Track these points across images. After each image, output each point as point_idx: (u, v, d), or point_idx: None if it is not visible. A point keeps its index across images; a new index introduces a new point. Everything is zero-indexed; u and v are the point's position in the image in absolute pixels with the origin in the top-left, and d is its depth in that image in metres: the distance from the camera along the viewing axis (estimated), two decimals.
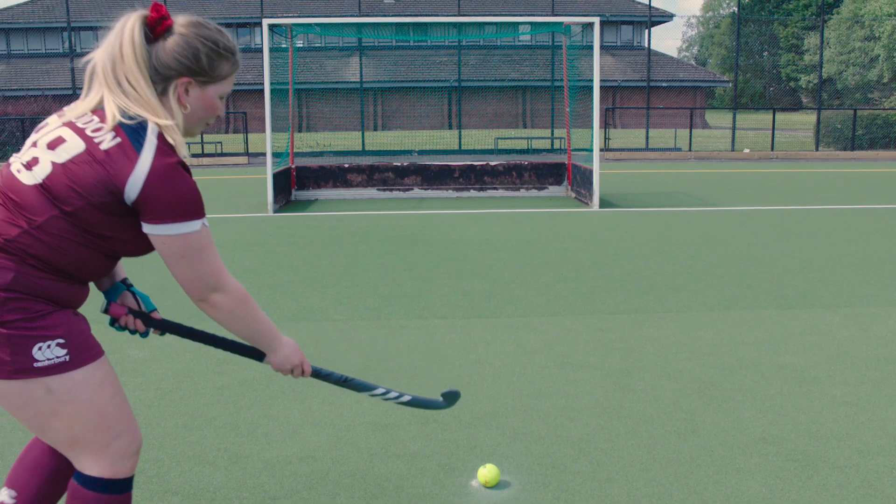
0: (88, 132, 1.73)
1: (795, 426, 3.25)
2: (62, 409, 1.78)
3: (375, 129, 34.90)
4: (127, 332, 2.13)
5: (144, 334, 2.15)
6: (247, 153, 20.83)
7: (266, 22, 10.57)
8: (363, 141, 21.90)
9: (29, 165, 1.75)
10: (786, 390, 3.66)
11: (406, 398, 2.43)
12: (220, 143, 22.09)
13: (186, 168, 1.80)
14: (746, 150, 21.57)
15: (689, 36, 74.91)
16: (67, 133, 1.75)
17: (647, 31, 37.24)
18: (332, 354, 4.23)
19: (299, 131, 25.23)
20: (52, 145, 1.75)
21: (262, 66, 10.56)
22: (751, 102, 50.38)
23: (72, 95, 24.63)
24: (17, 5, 40.02)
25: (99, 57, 1.81)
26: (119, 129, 1.72)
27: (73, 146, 1.73)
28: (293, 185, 11.98)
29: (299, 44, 16.56)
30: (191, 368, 4.00)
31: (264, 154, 11.74)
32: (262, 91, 10.84)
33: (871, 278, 6.05)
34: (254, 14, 36.54)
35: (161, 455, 2.99)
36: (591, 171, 10.67)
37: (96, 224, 1.73)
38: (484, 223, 9.15)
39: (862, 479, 2.78)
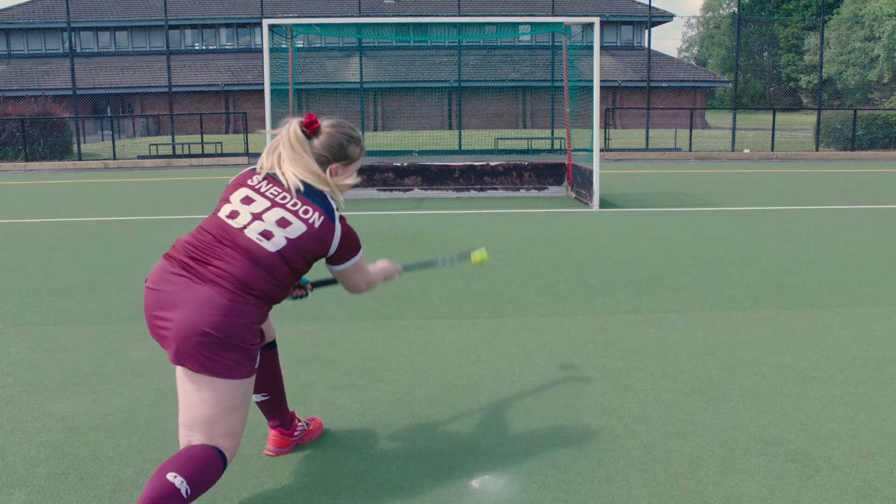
0: (301, 214, 2.47)
1: (795, 426, 3.25)
2: (240, 408, 2.45)
3: (375, 130, 34.90)
4: (289, 300, 2.92)
5: (304, 296, 2.95)
6: (247, 153, 20.84)
7: (266, 22, 10.57)
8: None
9: (266, 236, 2.43)
10: (786, 390, 3.66)
11: (454, 259, 3.26)
12: (221, 143, 22.10)
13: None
14: (746, 151, 21.57)
15: (689, 36, 74.96)
16: (288, 216, 2.45)
17: (647, 31, 37.24)
18: (333, 354, 4.23)
19: None
20: (282, 224, 2.44)
21: (262, 66, 10.56)
22: (751, 103, 50.39)
23: (72, 95, 24.63)
24: (17, 5, 40.04)
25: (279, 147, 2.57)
26: (316, 207, 2.49)
27: (298, 227, 2.45)
28: None
29: (299, 44, 16.56)
30: None
31: None
32: (262, 91, 10.85)
33: (871, 278, 6.05)
34: (254, 14, 36.56)
35: (161, 456, 2.99)
36: (591, 172, 10.67)
37: (302, 271, 2.55)
38: (484, 223, 9.15)
39: (862, 480, 2.78)
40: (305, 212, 2.46)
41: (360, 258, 2.63)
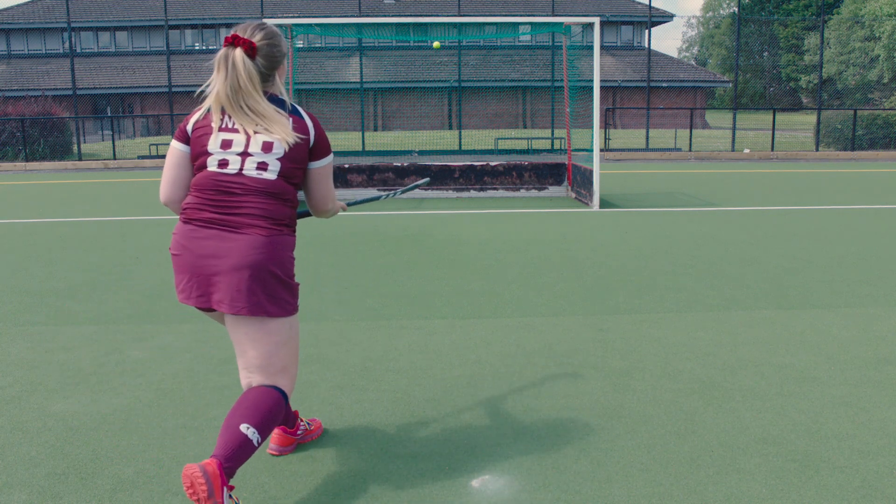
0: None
1: (795, 426, 3.25)
2: (289, 342, 2.66)
3: (376, 130, 34.89)
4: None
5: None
6: None
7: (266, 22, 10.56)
8: (363, 141, 21.90)
9: (262, 168, 2.52)
10: (786, 390, 3.66)
11: (398, 192, 3.37)
12: None
13: None
14: (746, 151, 21.57)
15: (689, 36, 74.97)
16: (267, 137, 2.51)
17: (647, 31, 37.24)
18: (333, 354, 4.23)
19: None
20: (267, 149, 2.52)
21: None
22: (751, 102, 50.39)
23: (72, 95, 24.62)
24: (17, 5, 40.02)
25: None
26: (281, 113, 2.57)
27: (279, 143, 2.52)
28: None
29: (299, 44, 16.56)
30: (191, 368, 4.00)
31: None
32: None
33: (871, 278, 6.04)
34: (254, 14, 36.52)
35: (161, 456, 2.99)
36: (591, 172, 10.67)
37: (300, 182, 2.67)
38: (484, 223, 9.15)
39: (862, 480, 2.78)
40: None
41: (331, 160, 2.71)
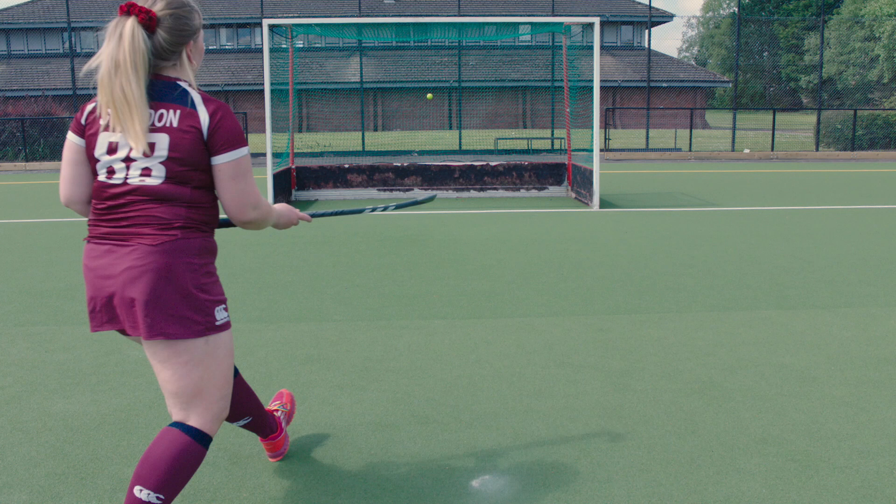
0: (157, 124, 2.15)
1: (795, 426, 3.25)
2: (205, 362, 2.23)
3: (375, 130, 34.91)
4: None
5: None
6: None
7: (266, 22, 10.57)
8: (363, 141, 21.90)
9: (146, 174, 2.16)
10: (786, 390, 3.66)
11: (391, 207, 2.97)
12: None
13: None
14: (746, 151, 21.56)
15: (689, 36, 74.96)
16: (150, 137, 2.15)
17: (647, 31, 37.24)
18: (333, 354, 4.23)
19: (299, 132, 25.22)
20: (150, 151, 2.15)
21: (262, 66, 10.57)
22: (751, 103, 50.39)
23: (72, 95, 24.63)
24: (17, 5, 40.03)
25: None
26: (168, 105, 2.16)
27: (162, 142, 2.15)
28: (293, 185, 11.99)
29: (299, 44, 16.54)
30: None
31: (264, 154, 11.74)
32: (262, 91, 10.85)
33: (871, 278, 6.04)
34: (254, 14, 36.56)
35: None
36: (591, 172, 10.67)
37: (208, 180, 2.23)
38: (484, 223, 9.15)
39: (862, 480, 2.78)
40: (160, 118, 2.16)
41: (244, 155, 2.23)
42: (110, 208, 2.19)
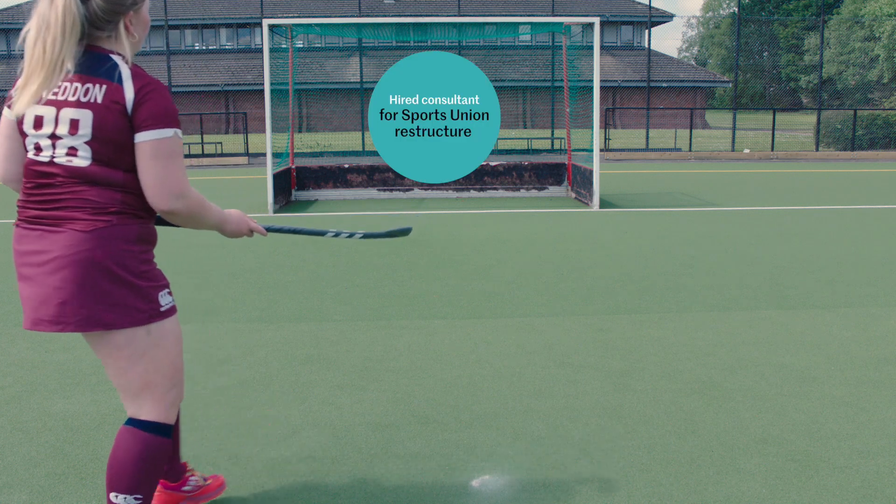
0: (82, 99, 2.02)
1: (795, 426, 3.25)
2: (149, 353, 2.14)
3: None
4: None
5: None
6: (247, 153, 20.83)
7: (266, 22, 10.57)
8: (363, 141, 21.90)
9: (72, 153, 2.03)
10: (786, 390, 3.66)
11: (358, 234, 2.82)
12: (221, 143, 22.08)
13: None
14: (746, 151, 21.57)
15: (689, 36, 74.98)
16: (73, 113, 2.02)
17: (647, 31, 37.24)
18: (333, 354, 4.23)
19: (299, 132, 25.21)
20: (74, 129, 2.02)
21: (262, 66, 10.56)
22: (751, 103, 50.39)
23: None
24: (17, 5, 40.04)
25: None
26: (94, 79, 2.03)
27: (86, 119, 2.01)
28: (293, 185, 11.98)
29: (299, 44, 16.56)
30: (190, 369, 4.00)
31: (264, 154, 11.74)
32: (262, 91, 10.84)
33: (871, 278, 6.04)
34: (254, 14, 36.55)
35: None
36: (591, 172, 10.67)
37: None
38: (484, 223, 9.15)
39: (862, 480, 2.78)
40: (86, 92, 2.03)
41: (169, 137, 2.06)
42: (39, 186, 2.06)
